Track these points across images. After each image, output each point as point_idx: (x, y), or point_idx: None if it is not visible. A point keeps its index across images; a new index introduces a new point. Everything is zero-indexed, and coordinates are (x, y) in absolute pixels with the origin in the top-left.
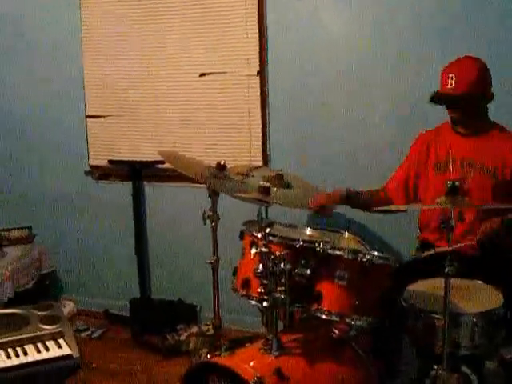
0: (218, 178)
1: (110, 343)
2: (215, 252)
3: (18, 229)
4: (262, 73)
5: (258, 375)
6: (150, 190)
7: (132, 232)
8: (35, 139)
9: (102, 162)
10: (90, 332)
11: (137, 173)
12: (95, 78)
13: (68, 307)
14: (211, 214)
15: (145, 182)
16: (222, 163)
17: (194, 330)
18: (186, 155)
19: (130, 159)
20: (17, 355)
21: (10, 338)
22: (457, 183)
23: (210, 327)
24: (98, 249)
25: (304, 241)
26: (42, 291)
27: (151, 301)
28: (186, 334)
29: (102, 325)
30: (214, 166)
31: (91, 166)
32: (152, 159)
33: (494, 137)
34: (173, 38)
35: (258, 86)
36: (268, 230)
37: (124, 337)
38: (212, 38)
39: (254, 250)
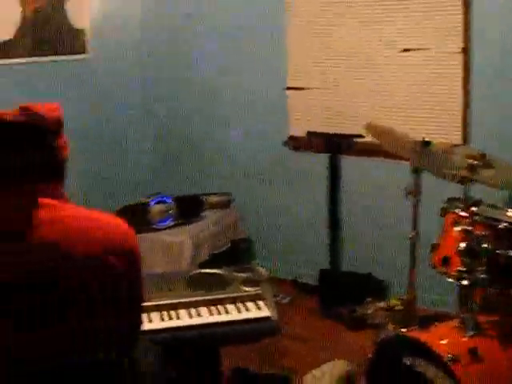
0: (423, 154)
1: (297, 310)
2: (415, 227)
3: (218, 194)
4: (466, 50)
5: (453, 353)
6: (347, 163)
7: (325, 204)
8: (237, 109)
9: (301, 133)
10: (278, 298)
11: (334, 145)
12: (298, 51)
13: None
14: (413, 189)
15: (341, 155)
16: (426, 140)
17: (382, 304)
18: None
19: (328, 132)
20: (219, 313)
21: (212, 297)
22: None
23: (398, 302)
24: (290, 218)
25: (509, 222)
26: (235, 255)
27: (341, 273)
28: (373, 307)
29: (289, 292)
30: (419, 142)
31: (290, 137)
32: (350, 132)
33: None
34: (376, 13)
35: (461, 63)
36: (474, 209)
37: (311, 306)
38: (415, 12)
39: (457, 228)
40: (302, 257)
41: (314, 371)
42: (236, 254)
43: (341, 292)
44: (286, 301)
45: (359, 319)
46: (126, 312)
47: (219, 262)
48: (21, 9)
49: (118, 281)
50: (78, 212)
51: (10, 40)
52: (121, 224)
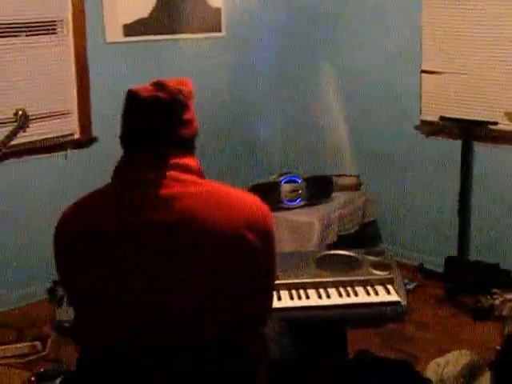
0: None
1: (422, 297)
2: None
3: (348, 176)
4: None
5: None
6: (481, 150)
7: (456, 191)
8: (370, 92)
9: (434, 118)
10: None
11: (468, 132)
12: (433, 33)
13: None
14: None
15: (475, 142)
16: None
17: (509, 296)
18: None
19: (463, 117)
20: (348, 295)
21: (342, 278)
22: None
23: None
24: (419, 203)
25: None
26: (362, 238)
27: (468, 261)
28: (500, 299)
29: (414, 278)
30: None
31: (422, 121)
32: (485, 119)
33: None
34: None
35: None
36: None
37: (436, 293)
38: None
39: None
40: (429, 243)
41: (438, 359)
42: (363, 237)
43: (467, 281)
44: (410, 287)
45: (485, 310)
46: (259, 288)
47: (346, 245)
48: None
49: (254, 257)
50: (216, 187)
51: (146, 18)
52: (259, 202)
